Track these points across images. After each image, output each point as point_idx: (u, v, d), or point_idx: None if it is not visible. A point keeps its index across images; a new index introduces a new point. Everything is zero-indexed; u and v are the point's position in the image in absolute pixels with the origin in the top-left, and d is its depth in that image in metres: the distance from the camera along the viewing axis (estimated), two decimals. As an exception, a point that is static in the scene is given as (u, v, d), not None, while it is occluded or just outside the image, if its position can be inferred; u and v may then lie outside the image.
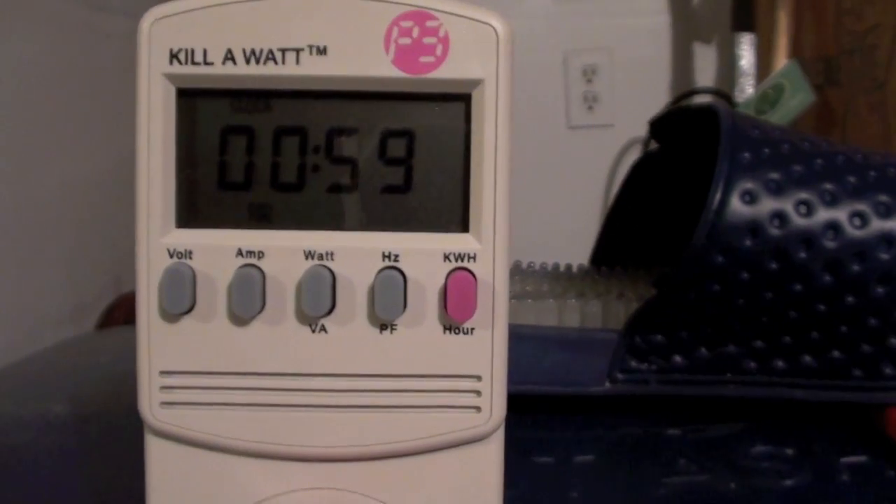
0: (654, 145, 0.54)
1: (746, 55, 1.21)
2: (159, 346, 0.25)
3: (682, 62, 1.36)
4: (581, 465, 0.41)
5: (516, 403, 0.28)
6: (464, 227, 0.25)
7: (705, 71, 1.35)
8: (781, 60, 1.12)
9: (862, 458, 0.40)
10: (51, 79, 0.90)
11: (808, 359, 0.41)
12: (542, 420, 0.43)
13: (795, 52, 1.14)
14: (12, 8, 0.83)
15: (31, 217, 0.87)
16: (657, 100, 1.29)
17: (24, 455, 0.42)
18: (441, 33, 0.25)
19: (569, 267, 0.54)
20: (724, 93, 1.23)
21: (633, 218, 0.56)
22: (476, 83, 0.25)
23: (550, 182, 1.26)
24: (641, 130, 1.23)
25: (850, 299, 0.39)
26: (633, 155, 1.31)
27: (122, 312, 0.98)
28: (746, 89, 1.19)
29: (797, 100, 1.07)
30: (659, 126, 0.52)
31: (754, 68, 1.20)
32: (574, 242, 0.82)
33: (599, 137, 1.36)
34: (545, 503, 0.38)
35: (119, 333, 0.78)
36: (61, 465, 0.41)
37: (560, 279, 0.51)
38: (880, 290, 0.39)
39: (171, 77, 0.25)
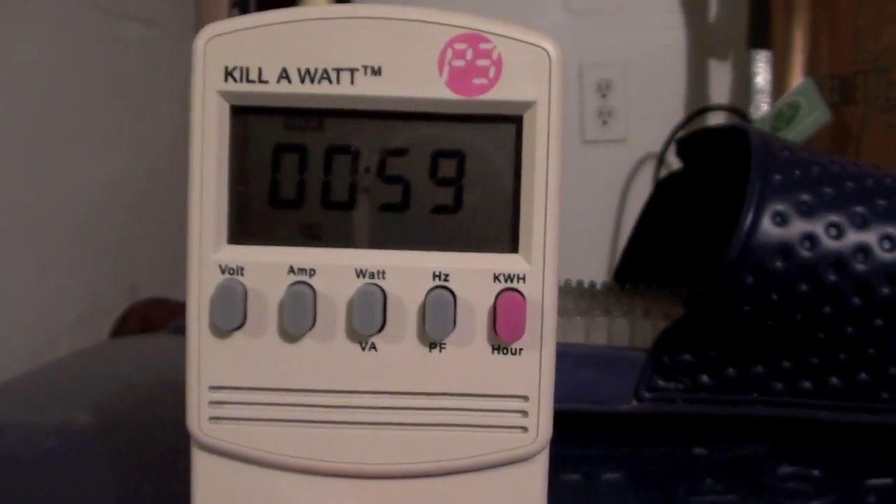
0: (668, 160, 0.54)
1: (762, 72, 1.20)
2: (209, 361, 0.26)
3: (698, 78, 1.36)
4: (608, 482, 0.41)
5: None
6: (513, 247, 0.26)
7: (720, 88, 1.35)
8: (797, 78, 1.12)
9: (888, 481, 0.40)
10: (67, 86, 0.91)
11: (835, 380, 0.41)
12: (570, 437, 0.43)
13: (811, 69, 1.14)
14: (30, 15, 0.84)
15: (47, 224, 0.87)
16: (672, 115, 1.29)
17: (49, 463, 0.42)
18: (494, 56, 0.25)
19: (593, 284, 0.54)
20: (739, 110, 1.23)
21: (658, 236, 0.56)
22: (528, 105, 0.25)
23: (564, 196, 1.26)
24: (656, 145, 1.24)
25: (878, 322, 0.40)
26: (647, 170, 1.31)
27: (135, 320, 0.98)
28: (762, 106, 1.19)
29: (813, 118, 1.07)
30: (685, 146, 0.52)
31: (770, 86, 1.20)
32: (588, 255, 0.82)
33: (613, 152, 1.36)
34: (572, 520, 0.38)
35: (135, 343, 0.78)
36: (86, 474, 0.41)
37: (585, 296, 0.51)
38: (910, 313, 0.39)
39: (225, 94, 0.25)
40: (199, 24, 1.22)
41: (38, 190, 0.85)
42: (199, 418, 0.26)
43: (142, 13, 1.08)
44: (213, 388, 0.26)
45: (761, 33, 1.21)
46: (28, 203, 0.83)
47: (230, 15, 1.12)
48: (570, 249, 0.88)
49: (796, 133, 1.07)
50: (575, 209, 1.27)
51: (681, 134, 1.22)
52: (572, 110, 1.36)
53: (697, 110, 1.30)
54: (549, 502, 0.35)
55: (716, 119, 1.31)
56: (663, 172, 1.19)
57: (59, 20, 0.90)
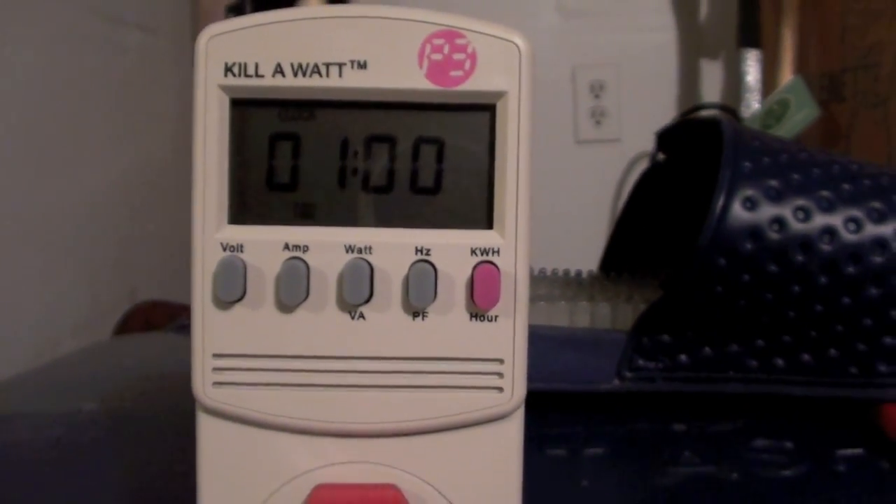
0: (660, 157, 0.56)
1: (752, 71, 1.22)
2: (212, 330, 0.28)
3: (689, 78, 1.38)
4: (592, 457, 0.42)
5: (530, 400, 0.29)
6: (489, 224, 0.28)
7: (712, 86, 1.37)
8: (787, 76, 1.14)
9: (857, 451, 0.42)
10: (66, 91, 0.92)
11: (806, 357, 0.43)
12: (555, 416, 0.44)
13: (801, 67, 1.15)
14: (30, 21, 0.85)
15: (49, 228, 0.88)
16: (664, 115, 1.30)
17: (57, 450, 0.43)
18: (469, 50, 0.27)
19: (579, 273, 0.56)
20: (730, 108, 1.24)
21: (641, 225, 0.58)
22: (500, 95, 0.27)
23: (559, 195, 1.28)
24: (648, 145, 1.24)
25: (845, 300, 0.41)
26: (640, 169, 1.32)
27: (136, 322, 1.00)
28: (752, 104, 1.20)
29: (802, 115, 1.08)
30: (666, 138, 0.54)
31: (760, 84, 1.21)
32: (582, 254, 0.84)
33: (607, 152, 1.37)
34: (558, 492, 0.40)
35: (138, 339, 0.80)
36: (90, 460, 0.42)
37: (571, 284, 0.53)
38: (874, 291, 0.41)
39: (225, 88, 0.27)
40: (195, 31, 1.24)
41: (40, 194, 0.86)
42: (203, 383, 0.28)
43: (140, 20, 1.10)
44: (216, 355, 0.28)
45: (751, 33, 1.22)
46: (29, 207, 0.85)
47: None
48: (564, 247, 0.90)
49: (786, 130, 1.08)
50: (569, 208, 1.29)
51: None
52: (566, 111, 1.38)
53: (689, 109, 1.31)
54: (536, 475, 0.37)
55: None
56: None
57: (60, 26, 0.91)
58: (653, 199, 0.57)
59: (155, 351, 0.69)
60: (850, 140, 1.12)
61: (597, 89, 1.38)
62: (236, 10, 1.15)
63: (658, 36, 1.37)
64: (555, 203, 1.30)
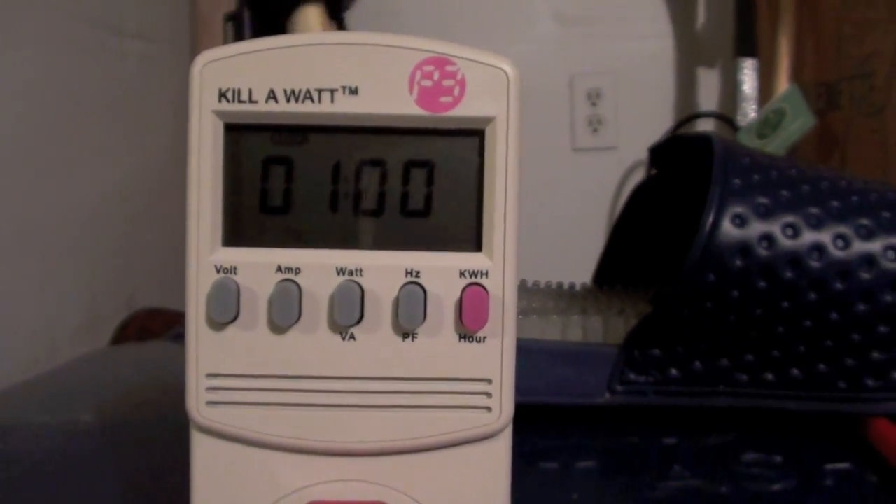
0: (652, 172, 0.57)
1: (749, 80, 1.22)
2: (206, 351, 0.28)
3: (686, 86, 1.38)
4: (583, 470, 0.43)
5: (522, 413, 0.30)
6: (477, 247, 0.28)
7: (708, 95, 1.37)
8: (783, 85, 1.14)
9: (845, 465, 0.42)
10: (66, 99, 0.92)
11: (795, 372, 0.43)
12: (547, 429, 0.45)
13: (797, 76, 1.15)
14: (31, 31, 0.86)
15: (47, 235, 0.88)
16: (661, 123, 1.31)
17: (55, 461, 0.44)
18: (458, 76, 0.28)
19: (572, 286, 0.56)
20: (726, 117, 1.24)
21: (633, 239, 0.59)
22: (489, 120, 0.28)
23: (555, 202, 1.29)
24: (645, 153, 1.25)
25: (834, 316, 0.42)
26: (637, 177, 1.33)
27: (133, 330, 1.00)
28: (749, 113, 1.20)
29: (798, 124, 1.09)
30: (658, 153, 0.55)
31: (756, 93, 1.21)
32: (578, 261, 0.84)
33: (604, 159, 1.37)
34: (549, 504, 0.41)
35: (134, 349, 0.80)
36: (90, 470, 0.42)
37: (563, 297, 0.54)
38: (862, 306, 0.41)
39: (219, 113, 0.28)
40: (194, 40, 1.25)
41: (39, 201, 0.87)
42: (197, 403, 0.28)
43: (139, 29, 1.10)
44: (210, 375, 0.28)
45: (747, 41, 1.23)
46: (28, 214, 0.85)
47: (225, 30, 1.14)
48: (560, 255, 0.90)
49: (782, 139, 1.09)
50: (566, 216, 1.30)
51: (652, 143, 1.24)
52: (563, 119, 1.38)
53: (686, 118, 1.32)
54: (527, 488, 0.37)
55: (704, 126, 1.32)
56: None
57: (60, 36, 0.92)
58: (646, 213, 0.57)
59: (152, 361, 0.69)
60: (846, 149, 1.12)
61: (594, 97, 1.38)
62: (234, 19, 1.15)
63: (655, 44, 1.37)
64: (551, 210, 1.31)
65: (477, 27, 1.34)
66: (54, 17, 0.90)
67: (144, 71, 1.11)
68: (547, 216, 1.30)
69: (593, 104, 1.38)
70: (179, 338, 0.72)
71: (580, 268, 0.67)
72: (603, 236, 1.32)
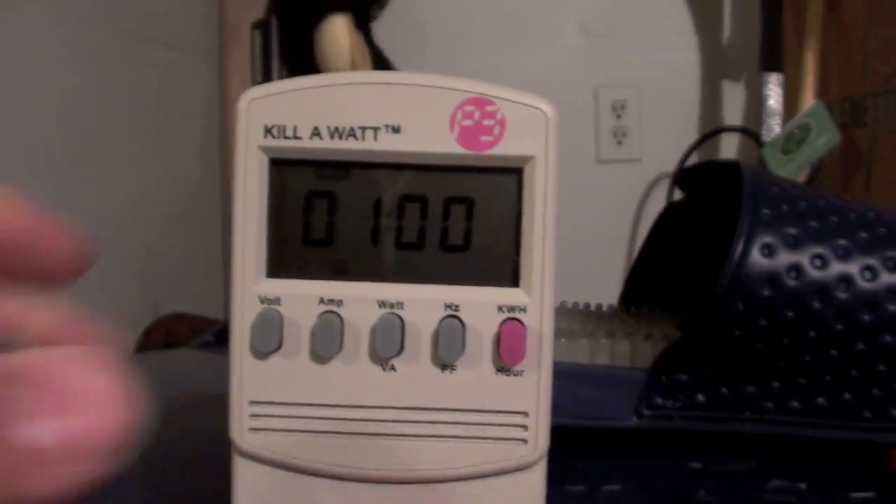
0: (680, 190, 0.57)
1: (774, 94, 1.22)
2: (250, 379, 0.29)
3: (711, 100, 1.38)
4: (609, 493, 0.43)
5: (550, 435, 0.31)
6: (515, 282, 0.29)
7: (733, 109, 1.37)
8: (808, 100, 1.14)
9: (870, 494, 0.42)
10: (96, 107, 0.93)
11: (821, 400, 0.44)
12: (574, 451, 0.45)
13: (822, 92, 1.15)
14: (63, 41, 0.87)
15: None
16: (685, 136, 1.31)
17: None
18: (498, 116, 0.28)
19: (599, 307, 0.57)
20: (751, 131, 1.24)
21: (660, 261, 0.59)
22: (528, 159, 0.29)
23: (579, 214, 1.29)
24: (669, 166, 1.26)
25: (860, 346, 0.42)
26: (660, 189, 1.33)
27: (159, 334, 1.01)
28: (774, 128, 1.20)
29: (823, 140, 1.08)
30: (686, 176, 0.55)
31: (782, 107, 1.21)
32: (601, 273, 0.84)
33: (628, 172, 1.38)
34: (576, 528, 0.41)
35: (160, 359, 0.80)
36: (125, 481, 0.43)
37: (591, 318, 0.54)
38: (889, 338, 0.42)
39: (265, 149, 0.29)
40: (222, 49, 1.26)
41: (67, 208, 0.88)
42: (240, 429, 0.29)
43: (168, 37, 1.12)
44: (253, 402, 0.29)
45: (773, 56, 1.22)
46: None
47: (252, 38, 1.15)
48: (584, 267, 0.90)
49: (807, 155, 1.08)
50: (589, 228, 1.30)
51: (691, 160, 1.24)
52: (587, 130, 1.38)
53: (710, 131, 1.31)
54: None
55: (729, 140, 1.32)
56: (677, 192, 1.21)
57: (90, 45, 0.93)
58: (673, 235, 0.58)
59: (180, 369, 0.70)
60: (872, 166, 1.12)
61: (618, 109, 1.38)
62: (262, 27, 1.16)
63: (680, 57, 1.37)
64: (575, 221, 1.31)
65: (502, 39, 1.35)
66: (84, 26, 0.92)
67: (173, 79, 1.12)
68: (570, 227, 1.29)
69: (618, 116, 1.38)
70: (206, 346, 0.72)
71: (603, 280, 0.68)
72: (626, 248, 1.33)
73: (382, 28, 1.24)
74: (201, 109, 1.17)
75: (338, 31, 1.10)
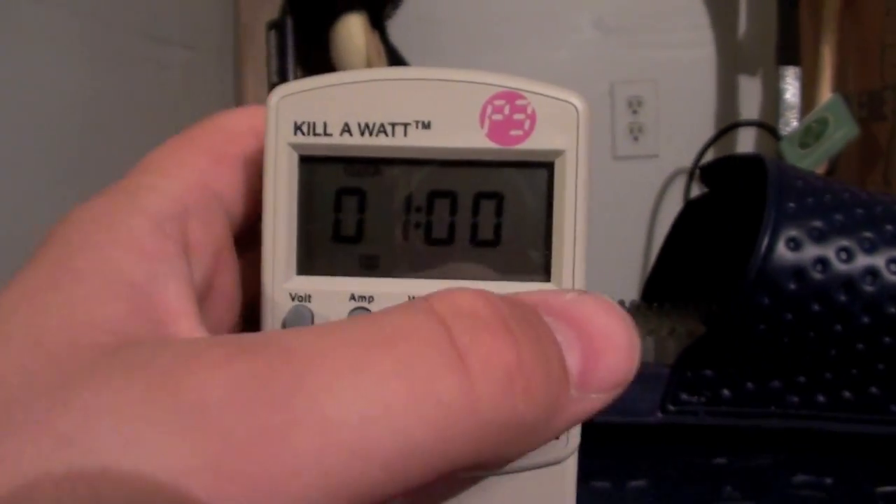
0: (702, 185, 0.57)
1: (791, 88, 1.21)
2: None
3: (727, 94, 1.38)
4: (635, 489, 0.43)
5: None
6: (546, 277, 0.29)
7: (750, 103, 1.36)
8: (826, 94, 1.13)
9: None
10: (112, 109, 0.94)
11: (847, 394, 0.44)
12: (599, 447, 0.45)
13: (840, 85, 1.14)
14: (76, 43, 0.87)
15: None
16: (702, 131, 1.30)
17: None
18: (529, 111, 0.28)
19: (621, 302, 0.57)
20: (768, 125, 1.23)
21: (683, 256, 0.59)
22: (559, 153, 0.28)
23: (596, 210, 1.28)
24: (686, 161, 1.25)
25: (887, 339, 0.42)
26: (678, 185, 1.33)
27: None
28: (791, 122, 1.19)
29: (841, 133, 1.08)
30: (708, 171, 0.55)
31: (799, 101, 1.21)
32: (618, 269, 0.84)
33: (644, 168, 1.37)
34: (602, 523, 0.41)
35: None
36: None
37: (613, 314, 0.54)
38: (916, 331, 0.42)
39: (294, 146, 0.29)
40: (237, 49, 1.26)
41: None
42: None
43: (183, 38, 1.12)
44: None
45: (790, 50, 1.22)
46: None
47: (267, 38, 1.16)
48: (601, 264, 0.90)
49: (825, 148, 1.08)
50: (606, 224, 1.30)
51: (708, 155, 1.23)
52: (603, 126, 1.38)
53: (727, 126, 1.31)
54: (579, 506, 0.37)
55: (746, 134, 1.32)
56: (694, 188, 1.21)
57: (105, 47, 0.93)
58: (696, 230, 0.58)
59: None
60: (891, 159, 1.12)
61: (635, 105, 1.38)
62: (277, 27, 1.16)
63: (696, 52, 1.37)
64: (592, 218, 1.31)
65: (517, 36, 1.35)
66: (98, 28, 0.92)
67: (188, 79, 1.13)
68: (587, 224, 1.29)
69: (634, 112, 1.38)
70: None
71: (620, 276, 0.68)
72: (643, 244, 1.33)
73: (397, 26, 1.24)
74: (217, 108, 1.17)
75: (353, 30, 1.10)
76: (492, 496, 0.29)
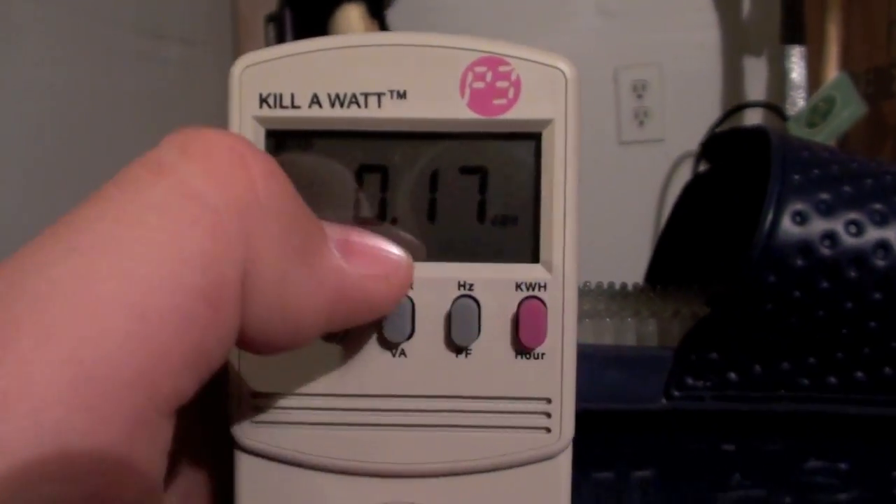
0: (704, 161, 0.55)
1: (797, 68, 1.20)
2: (250, 369, 0.27)
3: (733, 76, 1.36)
4: (639, 479, 0.42)
5: (576, 421, 0.29)
6: (534, 257, 0.27)
7: (756, 84, 1.35)
8: (832, 72, 1.12)
9: None
10: (109, 105, 0.93)
11: (860, 374, 0.42)
12: (601, 436, 0.44)
13: (846, 63, 1.13)
14: (72, 39, 0.86)
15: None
16: (708, 114, 1.29)
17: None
18: (513, 77, 0.26)
19: (624, 286, 0.55)
20: (775, 106, 1.22)
21: (686, 236, 0.57)
22: (546, 123, 0.26)
23: (602, 197, 1.27)
24: (692, 145, 1.23)
25: (901, 316, 0.40)
26: (684, 169, 1.31)
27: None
28: (798, 102, 1.18)
29: (848, 112, 1.07)
30: (710, 147, 0.53)
31: (805, 81, 1.20)
32: (624, 255, 0.82)
33: (650, 152, 1.36)
34: (606, 517, 0.39)
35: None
36: None
37: (616, 298, 0.52)
38: (931, 307, 0.40)
39: (260, 119, 0.27)
40: (236, 42, 1.25)
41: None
42: (241, 423, 0.27)
43: (181, 33, 1.11)
44: (255, 394, 0.27)
45: (795, 29, 1.21)
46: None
47: (266, 31, 1.14)
48: (608, 249, 0.89)
49: (833, 127, 1.07)
50: (613, 210, 1.28)
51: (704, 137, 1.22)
52: (608, 112, 1.37)
53: (733, 108, 1.30)
54: (583, 499, 0.36)
55: (752, 116, 1.30)
56: (702, 169, 1.20)
57: (101, 42, 0.92)
58: (699, 209, 0.56)
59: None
60: (898, 137, 1.11)
61: (639, 89, 1.36)
62: (275, 20, 1.15)
63: (700, 34, 1.35)
64: (597, 204, 1.29)
65: (520, 20, 1.33)
66: (95, 23, 0.91)
67: (186, 75, 1.11)
68: (593, 210, 1.28)
69: (639, 96, 1.36)
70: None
71: (627, 262, 0.66)
72: (650, 230, 1.31)
73: (396, 15, 1.22)
74: (215, 105, 1.16)
75: (352, 20, 1.09)
76: (478, 496, 0.27)
